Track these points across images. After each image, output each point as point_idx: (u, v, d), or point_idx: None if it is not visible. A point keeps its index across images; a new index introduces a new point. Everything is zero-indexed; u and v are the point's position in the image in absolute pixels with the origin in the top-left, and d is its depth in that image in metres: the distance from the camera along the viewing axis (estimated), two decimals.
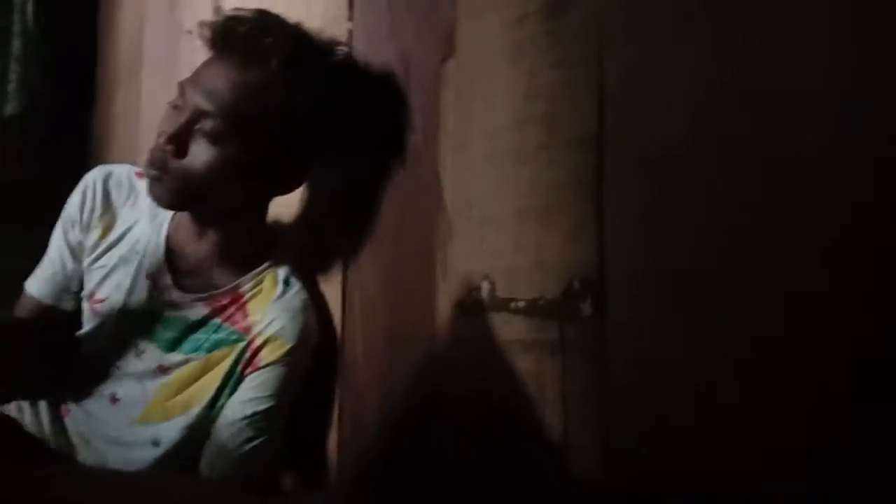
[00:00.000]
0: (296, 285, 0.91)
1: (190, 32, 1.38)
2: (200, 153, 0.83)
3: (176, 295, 0.92)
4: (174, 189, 0.86)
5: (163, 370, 0.91)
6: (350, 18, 0.95)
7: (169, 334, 0.91)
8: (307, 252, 0.96)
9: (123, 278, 0.93)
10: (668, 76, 0.57)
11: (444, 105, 0.79)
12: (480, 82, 0.74)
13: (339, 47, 0.90)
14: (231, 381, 0.89)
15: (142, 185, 0.93)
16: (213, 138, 0.83)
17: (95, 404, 0.92)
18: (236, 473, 0.86)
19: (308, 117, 0.85)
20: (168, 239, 0.93)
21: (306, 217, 0.99)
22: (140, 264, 0.93)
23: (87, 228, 0.95)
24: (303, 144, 0.87)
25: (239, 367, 0.88)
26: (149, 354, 0.91)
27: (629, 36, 0.60)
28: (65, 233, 0.96)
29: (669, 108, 0.57)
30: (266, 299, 0.90)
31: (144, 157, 0.90)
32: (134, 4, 1.69)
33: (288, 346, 0.88)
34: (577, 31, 0.64)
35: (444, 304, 0.77)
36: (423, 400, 0.80)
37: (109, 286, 0.93)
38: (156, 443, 0.89)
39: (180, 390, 0.90)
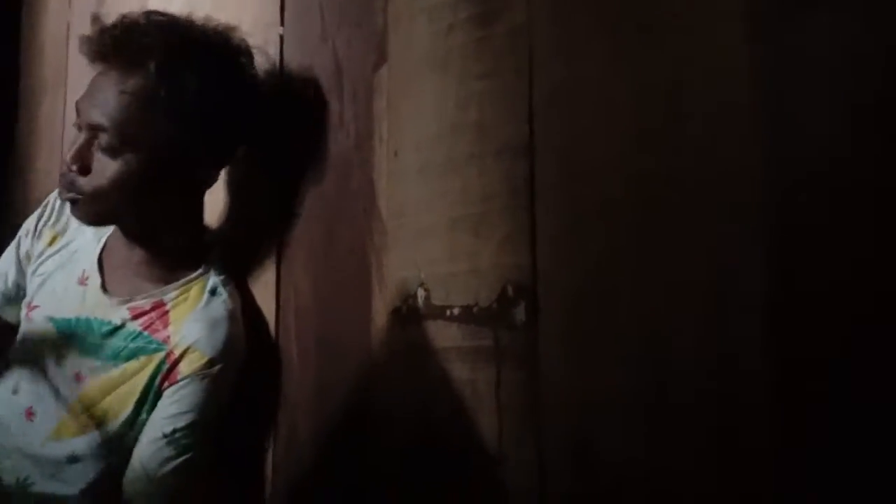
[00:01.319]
0: (222, 295, 0.88)
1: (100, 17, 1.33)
2: (103, 168, 0.83)
3: (101, 298, 0.89)
4: (89, 208, 0.86)
5: (78, 378, 0.87)
6: (282, 23, 0.93)
7: (89, 338, 0.88)
8: (238, 260, 0.93)
9: (57, 284, 0.92)
10: (597, 90, 0.58)
11: (378, 112, 0.78)
12: (412, 90, 0.74)
13: (232, 35, 0.88)
14: (150, 396, 0.85)
15: None
16: (111, 152, 0.82)
17: (14, 419, 0.88)
18: (159, 494, 0.83)
19: (200, 113, 0.83)
20: (104, 246, 0.92)
21: (236, 224, 0.97)
22: (74, 271, 0.92)
23: (38, 237, 0.96)
24: (201, 140, 0.85)
25: (157, 381, 0.85)
26: (68, 361, 0.88)
27: (556, 49, 0.61)
28: (17, 243, 0.98)
29: (596, 121, 0.58)
30: (188, 309, 0.88)
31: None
32: (58, 12, 1.62)
33: (206, 359, 0.84)
34: (505, 42, 0.65)
35: (380, 311, 0.76)
36: (357, 409, 0.78)
37: (45, 292, 0.92)
38: (72, 459, 0.85)
39: (95, 402, 0.86)
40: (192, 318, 0.87)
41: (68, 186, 0.85)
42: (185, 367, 0.84)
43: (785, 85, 0.47)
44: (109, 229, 0.92)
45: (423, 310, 0.71)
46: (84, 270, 0.91)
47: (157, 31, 0.84)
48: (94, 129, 0.82)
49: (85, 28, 1.47)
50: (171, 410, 0.84)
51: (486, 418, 0.64)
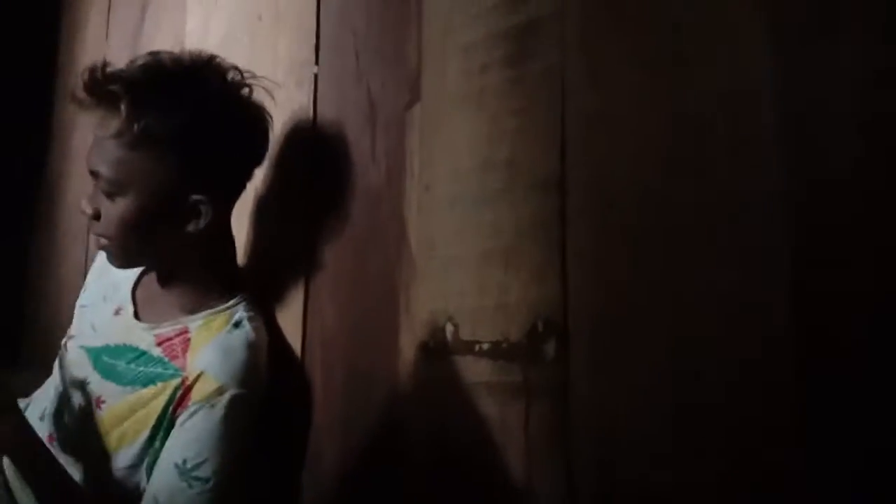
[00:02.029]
0: (245, 328, 0.88)
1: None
2: (106, 212, 0.86)
3: (132, 324, 0.92)
4: (117, 252, 0.89)
5: (98, 404, 0.88)
6: (316, 62, 0.96)
7: (116, 364, 0.90)
8: (268, 293, 0.95)
9: (95, 316, 0.96)
10: (627, 123, 0.59)
11: (410, 148, 0.80)
12: (445, 126, 0.76)
13: (212, 64, 0.88)
14: (164, 423, 0.85)
15: None
16: (108, 196, 0.85)
17: None
18: None
19: (177, 147, 0.84)
20: (140, 276, 0.95)
21: (266, 255, 0.98)
22: (111, 303, 0.95)
23: (93, 272, 1.02)
24: (186, 175, 0.85)
25: (171, 408, 0.85)
26: (93, 387, 0.89)
27: (589, 83, 0.63)
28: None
29: (626, 153, 0.59)
30: (209, 337, 0.88)
31: None
32: (95, 44, 1.68)
33: (217, 385, 0.83)
34: (538, 79, 0.67)
35: (407, 344, 0.76)
36: (383, 441, 0.78)
37: (82, 323, 0.96)
38: (90, 483, 0.86)
39: (113, 426, 0.87)
40: (210, 346, 0.87)
41: (96, 237, 0.89)
42: (195, 394, 0.84)
43: (807, 108, 0.48)
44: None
45: (452, 344, 0.71)
46: (120, 303, 0.95)
47: (126, 73, 0.86)
48: (95, 176, 0.86)
49: (121, 60, 1.52)
50: (182, 439, 0.83)
51: (515, 454, 0.64)
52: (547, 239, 0.64)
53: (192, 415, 0.83)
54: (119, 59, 1.56)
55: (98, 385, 0.89)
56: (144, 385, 0.87)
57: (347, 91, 0.90)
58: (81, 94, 0.85)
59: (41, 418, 0.92)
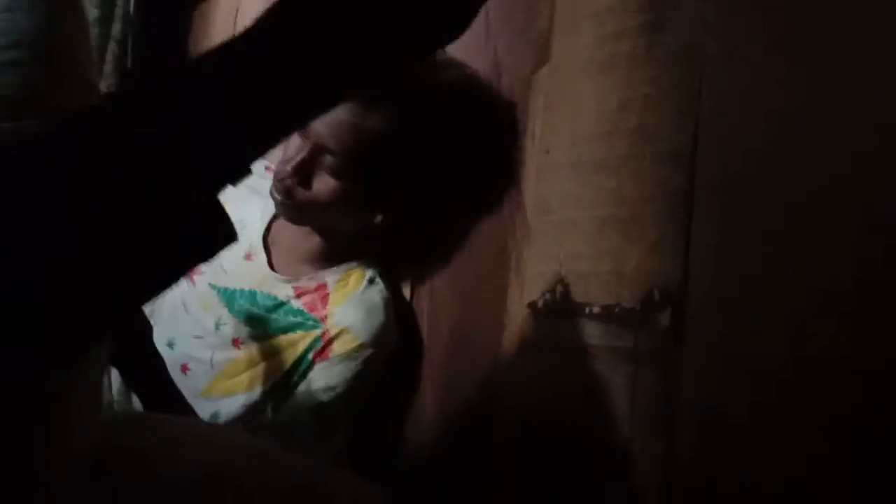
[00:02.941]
0: (379, 284, 0.94)
1: None
2: (322, 185, 0.88)
3: (267, 274, 0.96)
4: (298, 213, 0.92)
5: (236, 344, 0.94)
6: None
7: (252, 310, 0.95)
8: (401, 259, 0.98)
9: (224, 254, 0.98)
10: (765, 106, 0.57)
11: (533, 110, 0.81)
12: (571, 90, 0.76)
13: (458, 74, 0.89)
14: (301, 368, 0.91)
15: (267, 178, 0.96)
16: (334, 173, 0.87)
17: (171, 370, 0.96)
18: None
19: (427, 155, 0.88)
20: (271, 222, 0.99)
21: (407, 227, 1.01)
22: (241, 244, 0.97)
23: None
24: (420, 187, 0.90)
25: (311, 355, 0.91)
26: (228, 327, 0.95)
27: (726, 63, 0.61)
28: None
29: (761, 135, 0.57)
30: (347, 293, 0.94)
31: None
32: (229, 1, 1.76)
33: (358, 342, 0.90)
34: (674, 52, 0.65)
35: (515, 303, 0.78)
36: (485, 399, 0.81)
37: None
38: (214, 417, 0.93)
39: (248, 367, 0.93)
40: (350, 302, 0.93)
41: (285, 192, 0.90)
42: (337, 347, 0.91)
43: None
44: (272, 208, 0.97)
45: (561, 305, 0.72)
46: (250, 246, 0.99)
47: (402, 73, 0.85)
48: (320, 148, 0.87)
49: (252, 15, 1.59)
50: (320, 384, 0.90)
51: (618, 420, 0.64)
52: (671, 211, 0.63)
53: (332, 365, 0.91)
54: (251, 11, 1.63)
55: (235, 327, 0.95)
56: (285, 332, 0.93)
57: (475, 53, 0.92)
58: None
59: (170, 345, 0.98)
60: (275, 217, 1.00)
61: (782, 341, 0.54)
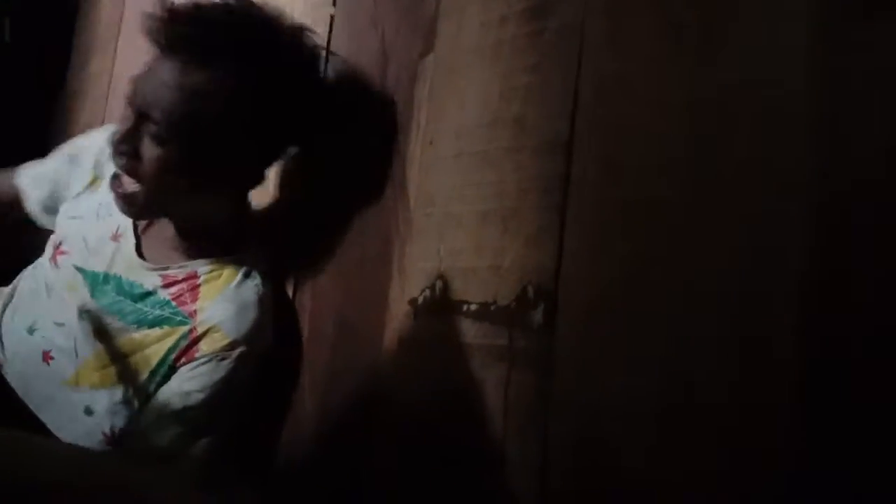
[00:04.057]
0: (256, 279, 0.87)
1: (172, 3, 1.35)
2: (148, 154, 0.82)
3: (134, 260, 0.89)
4: (134, 199, 0.84)
5: (101, 336, 0.87)
6: (333, 4, 0.93)
7: (117, 299, 0.88)
8: (278, 250, 0.92)
9: (89, 234, 0.92)
10: (646, 89, 0.56)
11: (419, 100, 0.77)
12: (456, 79, 0.73)
13: (305, 38, 0.86)
14: (163, 369, 0.84)
15: None
16: (157, 140, 0.81)
17: (31, 358, 0.88)
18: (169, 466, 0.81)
19: (256, 118, 0.82)
20: None
21: (282, 216, 0.96)
22: (108, 224, 0.92)
23: (87, 168, 0.98)
24: (253, 143, 0.84)
25: (173, 355, 0.84)
26: (91, 316, 0.87)
27: (609, 46, 0.60)
28: (80, 150, 1.00)
29: (641, 121, 0.56)
30: (220, 288, 0.86)
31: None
32: None
33: (228, 340, 0.83)
34: (556, 37, 0.64)
35: (397, 299, 0.75)
36: (365, 395, 0.78)
37: (75, 239, 0.92)
38: (89, 411, 0.84)
39: (115, 361, 0.86)
40: (222, 297, 0.86)
41: (118, 158, 0.84)
42: (205, 346, 0.83)
43: (845, 95, 0.45)
44: None
45: (440, 302, 0.69)
46: (118, 227, 0.91)
47: (226, 30, 0.82)
48: (143, 115, 0.81)
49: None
50: (185, 388, 0.82)
51: (492, 419, 0.62)
52: (547, 203, 0.61)
53: (199, 365, 0.83)
54: None
55: (99, 315, 0.87)
56: (150, 326, 0.86)
57: (362, 35, 0.88)
58: (169, 36, 0.81)
59: (30, 331, 0.89)
60: None
61: (656, 336, 0.53)
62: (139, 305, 0.87)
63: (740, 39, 0.51)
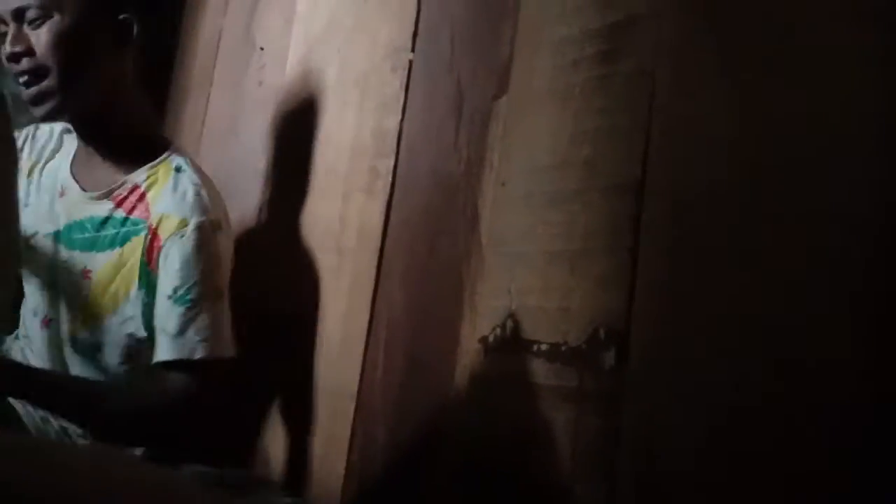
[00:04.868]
0: (187, 171, 0.99)
1: (261, 49, 1.43)
2: (38, 40, 0.93)
3: (82, 198, 1.01)
4: (50, 88, 0.94)
5: (86, 274, 0.98)
6: (412, 49, 0.97)
7: (84, 235, 0.99)
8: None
9: (42, 204, 1.04)
10: (715, 131, 0.56)
11: (492, 140, 0.79)
12: (529, 121, 0.75)
13: None
14: (143, 272, 0.95)
15: (69, 139, 1.06)
16: (40, 21, 0.93)
17: (35, 333, 1.00)
18: (188, 353, 0.92)
19: None
20: (74, 158, 1.05)
21: (343, 230, 1.00)
22: (53, 188, 1.04)
23: (23, 167, 1.09)
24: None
25: (144, 257, 0.95)
26: (73, 261, 0.99)
27: (678, 89, 0.60)
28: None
29: (711, 163, 0.56)
30: (161, 186, 0.99)
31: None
32: (214, 18, 1.76)
33: (178, 219, 0.94)
34: (626, 81, 0.64)
35: (468, 336, 0.76)
36: (434, 429, 0.79)
37: (34, 216, 1.04)
38: (97, 347, 0.96)
39: (105, 289, 0.97)
40: (163, 192, 0.98)
41: (20, 74, 0.95)
42: (163, 233, 0.95)
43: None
44: (73, 147, 1.04)
45: (511, 342, 0.70)
46: (61, 185, 1.03)
47: None
48: (20, 12, 0.93)
49: (235, 37, 1.59)
50: (166, 274, 0.94)
51: (560, 460, 0.62)
52: (617, 245, 0.62)
53: (167, 251, 0.95)
54: (233, 32, 1.64)
55: (79, 259, 0.99)
56: (122, 244, 0.98)
57: (438, 79, 0.91)
58: None
59: (34, 313, 1.01)
60: (76, 150, 1.04)
61: (727, 387, 0.52)
62: (104, 232, 0.98)
63: (803, 79, 0.50)
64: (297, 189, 1.16)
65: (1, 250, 0.57)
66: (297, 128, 1.22)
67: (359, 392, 0.92)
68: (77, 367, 0.98)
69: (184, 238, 0.94)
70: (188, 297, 0.93)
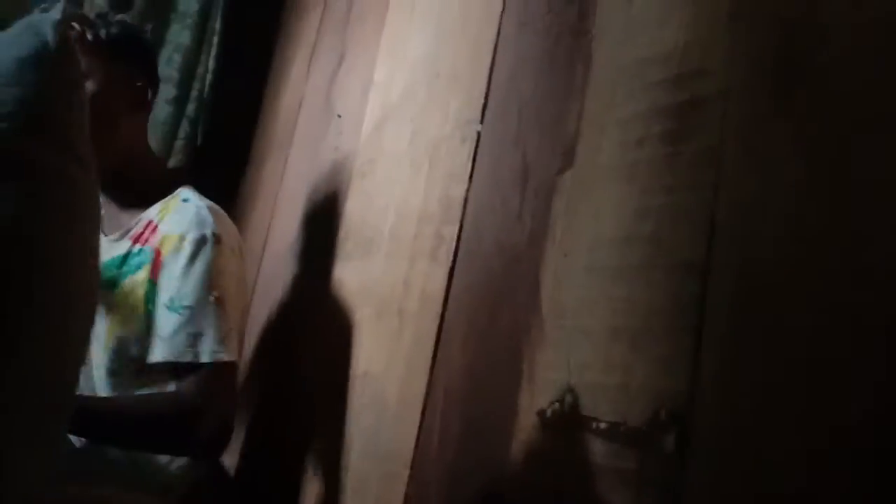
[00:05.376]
0: (193, 198, 1.12)
1: (339, 116, 1.50)
2: None
3: (104, 242, 1.09)
4: None
5: (111, 309, 1.07)
6: (481, 121, 1.00)
7: (108, 276, 1.07)
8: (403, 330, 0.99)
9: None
10: (785, 213, 0.55)
11: (555, 213, 0.80)
12: (593, 195, 0.75)
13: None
14: (149, 288, 1.04)
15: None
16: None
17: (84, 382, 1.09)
18: (176, 356, 0.99)
19: (125, 47, 1.16)
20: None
21: (408, 293, 1.02)
22: None
23: None
24: (134, 65, 1.17)
25: (150, 275, 1.04)
26: (102, 300, 1.07)
27: (746, 169, 0.60)
28: None
29: (782, 244, 0.55)
30: (168, 214, 1.10)
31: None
32: (296, 85, 1.87)
33: (177, 234, 1.03)
34: (695, 159, 0.65)
35: (525, 409, 0.75)
36: (489, 501, 0.77)
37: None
38: (114, 372, 1.06)
39: (123, 315, 1.06)
40: (167, 218, 1.08)
41: None
42: (164, 251, 1.04)
43: None
44: None
45: (569, 417, 0.69)
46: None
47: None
48: None
49: (315, 104, 1.67)
50: (164, 285, 1.02)
51: None
52: (681, 325, 0.61)
53: (166, 265, 1.03)
54: (314, 97, 1.72)
55: (104, 297, 1.06)
56: (135, 271, 1.07)
57: (505, 151, 0.93)
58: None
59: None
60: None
61: (796, 472, 0.50)
62: (124, 268, 1.07)
63: (874, 159, 0.49)
64: (365, 250, 1.19)
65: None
66: (368, 192, 1.26)
67: (413, 457, 0.92)
68: (103, 392, 1.08)
69: (180, 251, 1.03)
70: (183, 303, 1.01)
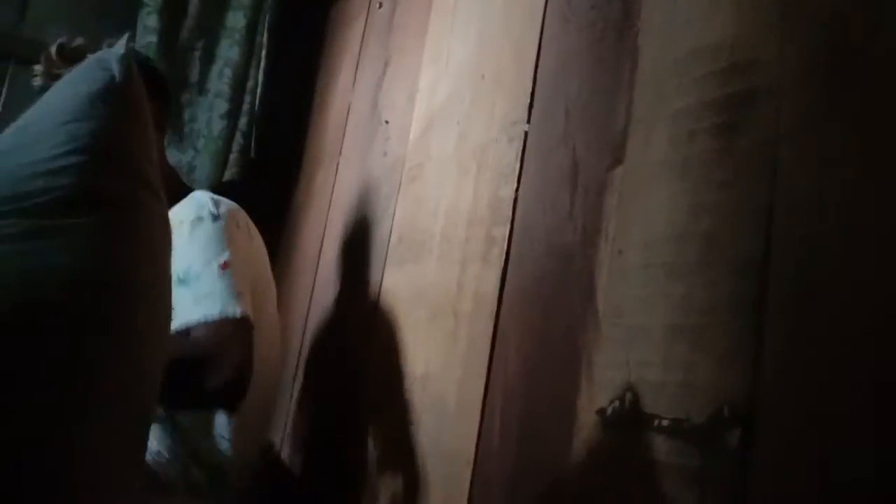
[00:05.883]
0: (199, 194, 1.18)
1: (386, 122, 1.52)
2: None
3: None
4: None
5: None
6: (528, 121, 1.00)
7: None
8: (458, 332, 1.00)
9: None
10: (844, 207, 0.54)
11: (608, 210, 0.80)
12: (644, 192, 0.75)
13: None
14: None
15: None
16: None
17: None
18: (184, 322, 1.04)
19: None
20: None
21: (462, 295, 1.03)
22: None
23: None
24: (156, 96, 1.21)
25: None
26: None
27: (802, 164, 0.58)
28: None
29: (837, 242, 0.54)
30: (175, 208, 1.16)
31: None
32: (343, 95, 1.90)
33: (177, 220, 1.08)
34: (749, 153, 0.64)
35: (585, 408, 0.75)
36: (550, 500, 0.78)
37: None
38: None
39: None
40: (172, 210, 1.11)
41: None
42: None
43: None
44: None
45: (630, 415, 0.69)
46: None
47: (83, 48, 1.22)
48: None
49: (363, 113, 1.70)
50: (175, 268, 1.04)
51: None
52: (740, 323, 0.60)
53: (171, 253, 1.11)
54: (361, 105, 1.75)
55: None
56: None
57: (553, 150, 0.93)
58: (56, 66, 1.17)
59: None
60: None
61: (860, 472, 0.49)
62: None
63: None
64: (417, 254, 1.21)
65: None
66: (417, 196, 1.28)
67: (475, 457, 0.93)
68: None
69: (180, 233, 1.08)
70: (191, 273, 1.06)
